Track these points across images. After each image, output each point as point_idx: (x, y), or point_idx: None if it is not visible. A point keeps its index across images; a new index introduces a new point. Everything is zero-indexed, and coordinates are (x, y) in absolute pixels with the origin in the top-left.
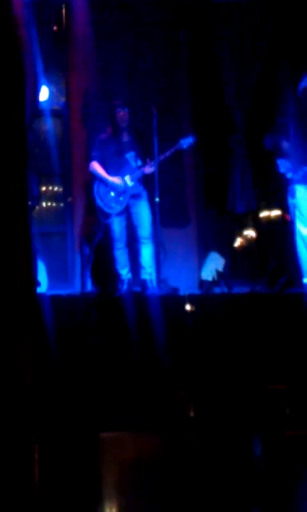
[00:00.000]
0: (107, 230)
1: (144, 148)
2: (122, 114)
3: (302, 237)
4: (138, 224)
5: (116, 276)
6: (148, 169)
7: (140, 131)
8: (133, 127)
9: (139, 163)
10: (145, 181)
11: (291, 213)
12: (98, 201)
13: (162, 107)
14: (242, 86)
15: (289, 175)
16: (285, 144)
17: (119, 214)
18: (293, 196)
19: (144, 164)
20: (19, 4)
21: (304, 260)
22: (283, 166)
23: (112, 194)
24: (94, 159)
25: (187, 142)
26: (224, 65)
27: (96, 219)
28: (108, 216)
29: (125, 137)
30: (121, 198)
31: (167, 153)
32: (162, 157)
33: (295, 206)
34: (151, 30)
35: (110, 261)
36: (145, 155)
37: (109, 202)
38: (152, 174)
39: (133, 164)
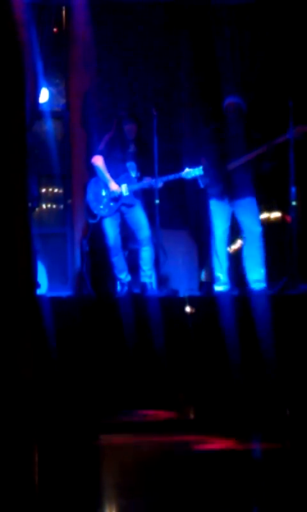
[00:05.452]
0: (102, 235)
1: (146, 161)
2: (130, 127)
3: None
4: (135, 228)
5: (115, 279)
6: (159, 184)
7: (145, 144)
8: (139, 140)
9: (138, 174)
10: (143, 193)
11: (292, 215)
12: (89, 198)
13: (162, 108)
14: (241, 86)
15: (208, 190)
16: (204, 162)
17: (108, 216)
18: (294, 197)
19: (143, 176)
20: (19, 6)
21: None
22: (203, 182)
23: (104, 194)
24: (99, 154)
25: (192, 174)
26: (224, 66)
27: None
28: (94, 216)
29: (131, 148)
30: (111, 204)
31: (170, 177)
32: (164, 179)
33: (295, 208)
34: (151, 31)
35: (108, 264)
36: (145, 168)
37: (99, 203)
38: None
39: (132, 174)
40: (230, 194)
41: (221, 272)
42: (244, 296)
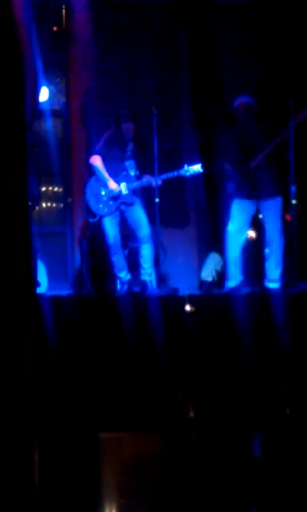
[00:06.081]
0: (102, 234)
1: (145, 159)
2: (128, 126)
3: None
4: (135, 226)
5: (115, 277)
6: (159, 183)
7: (143, 143)
8: (137, 138)
9: (137, 173)
10: (143, 191)
11: (292, 214)
12: (88, 197)
13: (162, 107)
14: (242, 85)
15: (234, 193)
16: (227, 167)
17: (108, 215)
18: (294, 196)
19: (142, 175)
20: (19, 4)
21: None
22: (230, 188)
23: (103, 193)
24: (98, 153)
25: (191, 171)
26: (224, 65)
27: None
28: (94, 215)
29: (129, 147)
30: (110, 203)
31: (169, 175)
32: (163, 177)
33: (295, 207)
34: (151, 30)
35: (108, 263)
36: (144, 167)
37: (98, 202)
38: (152, 186)
39: (131, 172)
40: (257, 193)
41: (232, 268)
42: (255, 294)
